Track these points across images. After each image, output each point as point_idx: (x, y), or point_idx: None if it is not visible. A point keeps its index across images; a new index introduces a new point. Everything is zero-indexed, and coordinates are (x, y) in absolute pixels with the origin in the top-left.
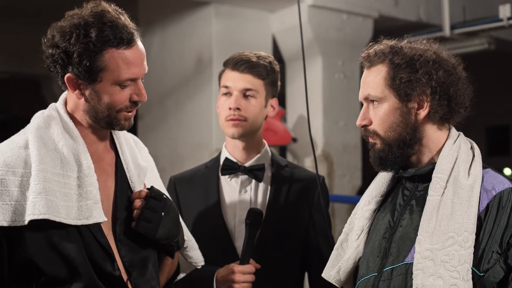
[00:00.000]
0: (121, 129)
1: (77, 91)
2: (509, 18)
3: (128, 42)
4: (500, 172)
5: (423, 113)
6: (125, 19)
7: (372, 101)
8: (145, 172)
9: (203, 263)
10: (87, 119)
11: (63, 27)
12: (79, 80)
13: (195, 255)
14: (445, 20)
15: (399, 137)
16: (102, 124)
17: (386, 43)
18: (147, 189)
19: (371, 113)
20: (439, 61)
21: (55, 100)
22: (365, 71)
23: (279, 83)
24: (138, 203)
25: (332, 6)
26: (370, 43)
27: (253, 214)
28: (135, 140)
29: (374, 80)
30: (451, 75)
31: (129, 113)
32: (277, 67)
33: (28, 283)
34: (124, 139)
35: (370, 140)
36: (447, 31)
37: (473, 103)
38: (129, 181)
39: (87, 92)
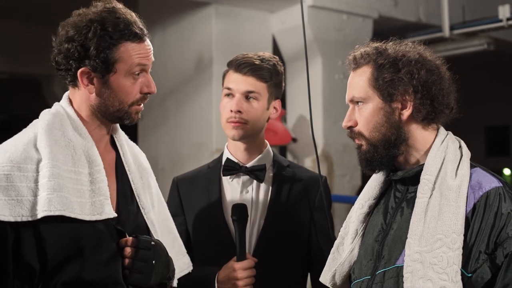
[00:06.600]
0: (130, 123)
1: (89, 86)
2: (508, 19)
3: (140, 37)
4: (489, 170)
5: (406, 113)
6: (135, 16)
7: (357, 102)
8: (148, 174)
9: (191, 268)
10: (96, 114)
11: (78, 23)
12: (92, 74)
13: (183, 264)
14: (444, 21)
15: (384, 138)
16: (111, 118)
17: (371, 45)
18: (133, 236)
19: (357, 114)
20: (422, 60)
21: (56, 100)
22: (351, 73)
23: (283, 84)
24: (128, 251)
25: (332, 6)
26: (357, 46)
27: (237, 209)
28: (133, 144)
29: (358, 82)
30: (434, 75)
31: (140, 106)
32: (281, 68)
33: (31, 280)
34: (125, 140)
35: (356, 141)
36: (446, 32)
37: (472, 104)
38: (131, 182)
39: (99, 86)
